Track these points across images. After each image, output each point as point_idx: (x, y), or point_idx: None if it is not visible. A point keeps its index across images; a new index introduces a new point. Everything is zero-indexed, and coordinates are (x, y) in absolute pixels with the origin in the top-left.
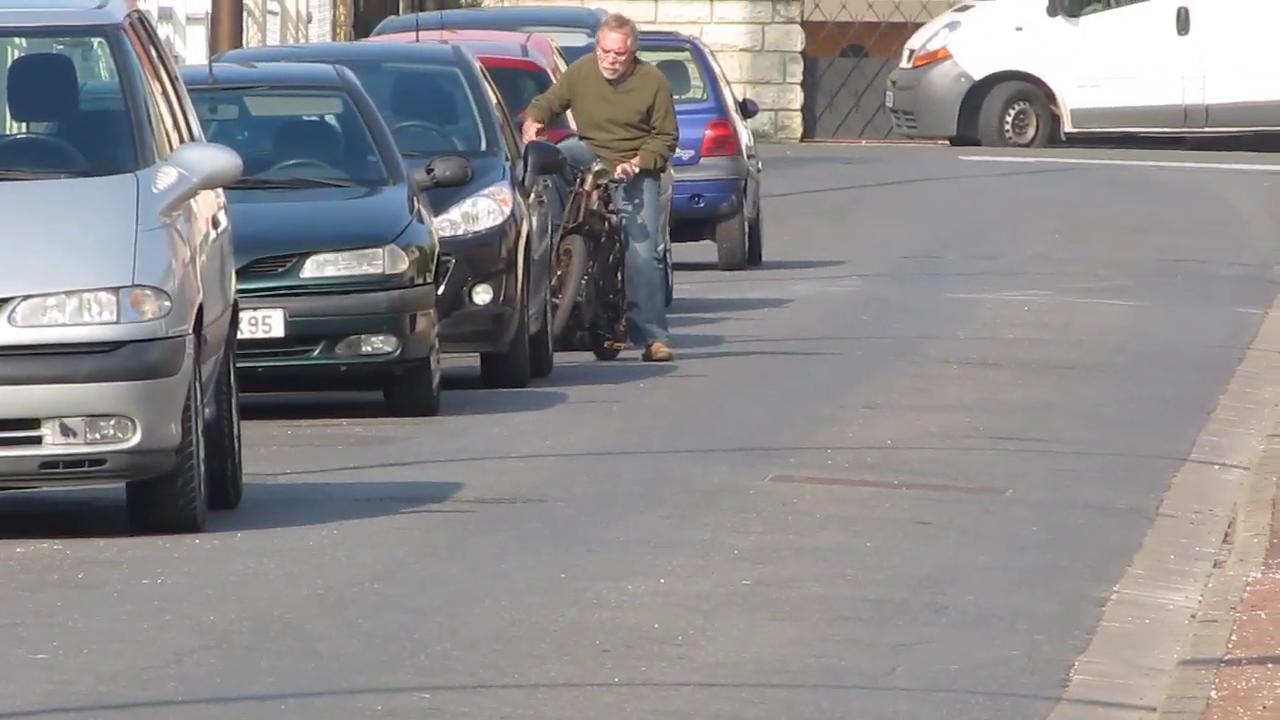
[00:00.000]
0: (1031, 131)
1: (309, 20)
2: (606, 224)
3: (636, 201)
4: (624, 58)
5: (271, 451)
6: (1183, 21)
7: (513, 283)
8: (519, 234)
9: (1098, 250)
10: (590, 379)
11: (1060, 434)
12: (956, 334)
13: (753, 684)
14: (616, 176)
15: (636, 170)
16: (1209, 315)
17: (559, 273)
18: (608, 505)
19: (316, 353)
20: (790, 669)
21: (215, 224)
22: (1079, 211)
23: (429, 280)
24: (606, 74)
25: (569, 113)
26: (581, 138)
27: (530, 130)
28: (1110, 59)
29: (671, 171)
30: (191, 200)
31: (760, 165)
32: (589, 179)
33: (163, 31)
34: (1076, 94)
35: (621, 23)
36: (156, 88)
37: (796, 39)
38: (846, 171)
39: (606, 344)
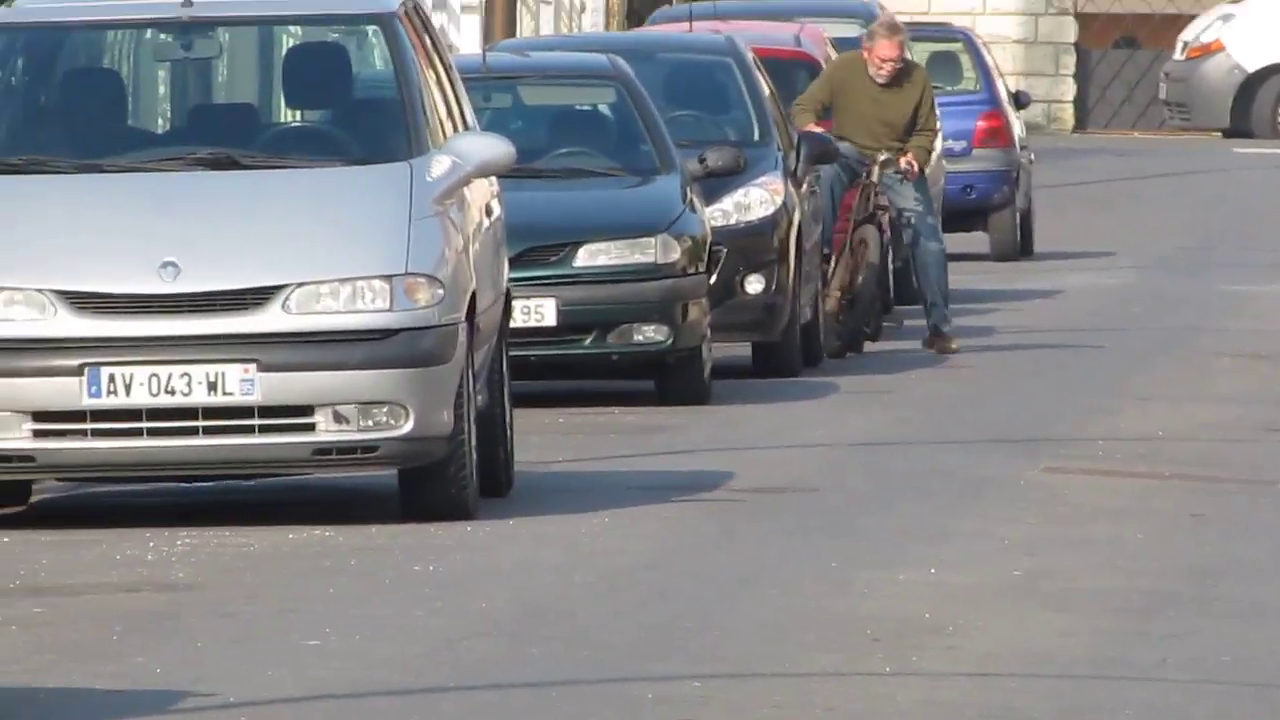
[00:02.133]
0: None
1: (582, 9)
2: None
3: (919, 197)
4: (899, 66)
5: (543, 439)
6: None
7: (784, 272)
8: (791, 224)
9: None
10: (861, 369)
11: None
12: (1228, 326)
13: (1022, 674)
14: (903, 168)
15: (917, 167)
16: None
17: (852, 261)
18: (878, 495)
19: (588, 342)
20: (1060, 659)
21: (489, 212)
22: None
23: (701, 270)
24: (880, 79)
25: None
26: (839, 138)
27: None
28: None
29: (944, 163)
30: (465, 189)
31: (1032, 156)
32: (875, 170)
33: (437, 20)
34: None
35: (895, 29)
36: (430, 76)
37: (1069, 30)
38: (1119, 163)
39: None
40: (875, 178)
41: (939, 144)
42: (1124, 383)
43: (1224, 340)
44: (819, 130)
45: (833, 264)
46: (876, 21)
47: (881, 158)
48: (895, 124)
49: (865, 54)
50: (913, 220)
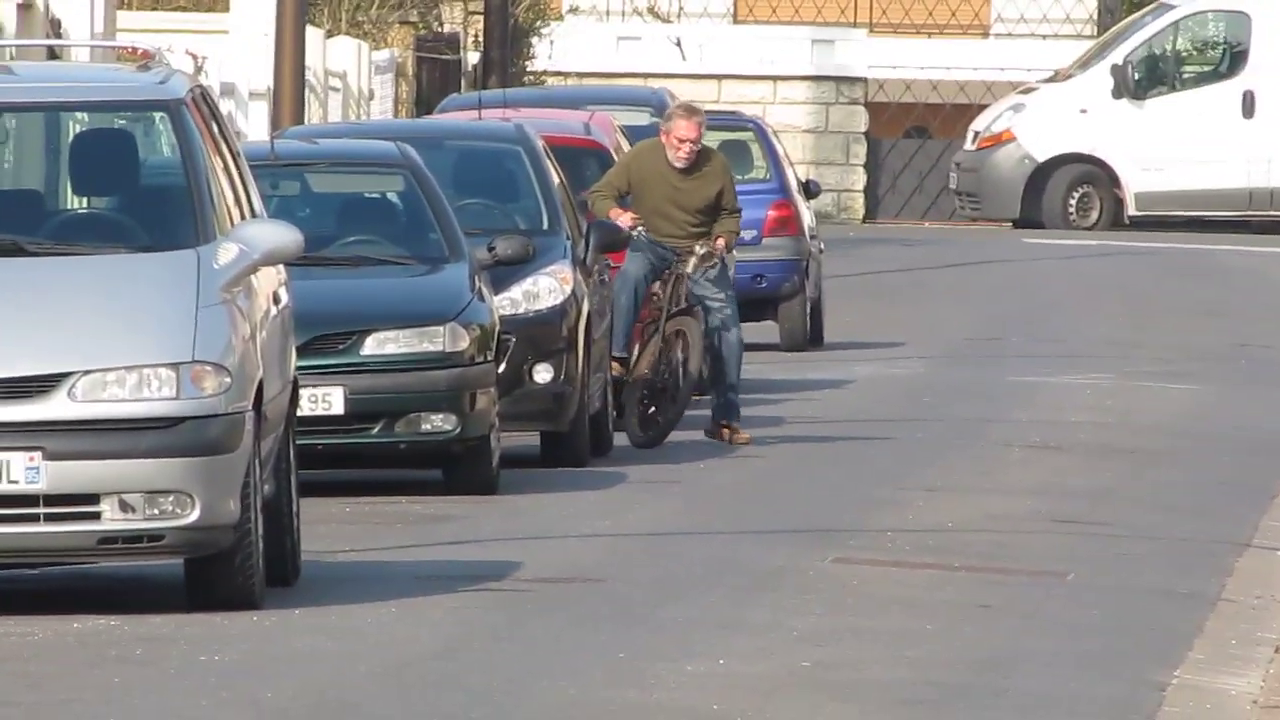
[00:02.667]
0: (1095, 214)
1: (371, 97)
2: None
3: (723, 288)
4: (697, 147)
5: (330, 529)
6: (1248, 105)
7: (573, 361)
8: (580, 313)
9: (1162, 334)
10: (650, 459)
11: (1122, 518)
12: (1018, 417)
13: None
14: (719, 249)
15: (725, 247)
16: (1274, 399)
17: (663, 348)
18: (667, 585)
19: (376, 430)
20: None
21: (276, 300)
22: (1143, 295)
23: (489, 358)
24: (678, 163)
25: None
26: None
27: (623, 219)
28: (1175, 142)
29: (734, 252)
30: (252, 276)
31: (822, 246)
32: (692, 261)
33: (225, 107)
34: (1141, 177)
35: (692, 111)
36: (218, 163)
37: (860, 120)
38: (909, 253)
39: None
40: (690, 269)
41: None
42: (913, 474)
43: (1014, 431)
44: (613, 219)
45: (636, 350)
46: (674, 104)
47: (701, 250)
48: (693, 211)
49: (664, 137)
50: (717, 309)
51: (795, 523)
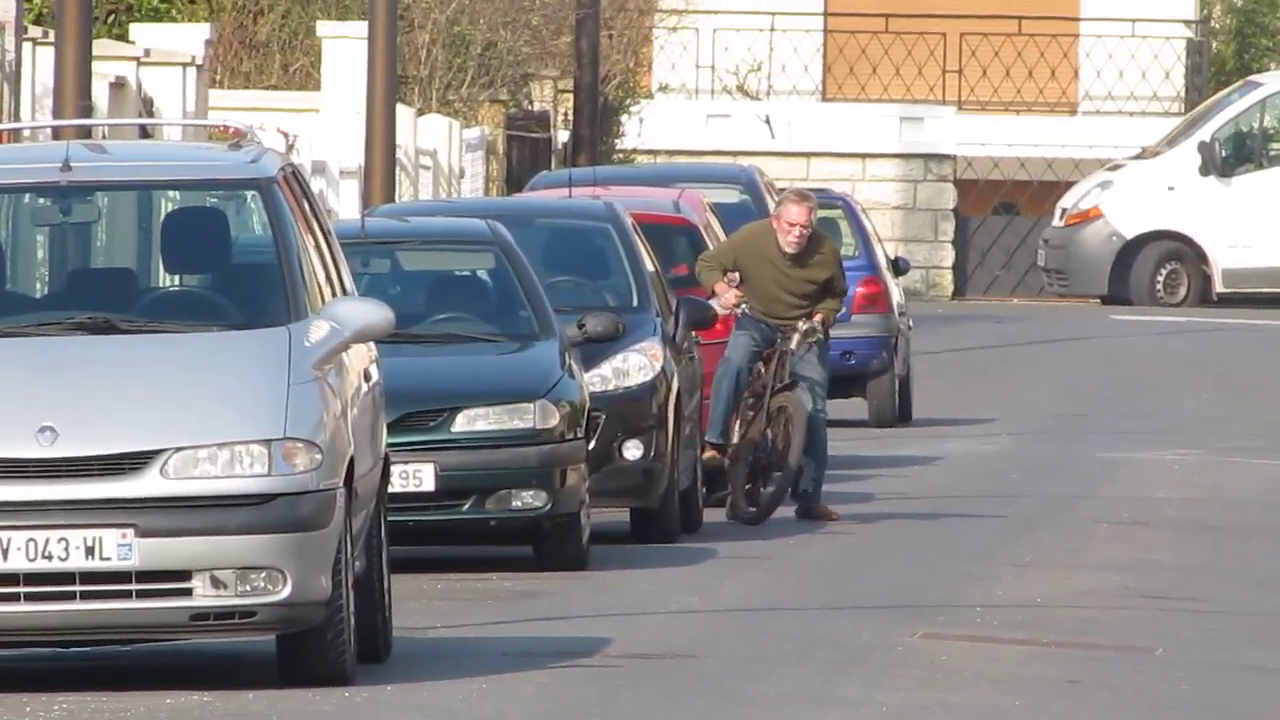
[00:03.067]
0: (1183, 291)
1: (462, 175)
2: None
3: (824, 362)
4: (808, 231)
5: (421, 605)
6: None
7: (663, 438)
8: (669, 389)
9: (1251, 410)
10: (739, 535)
11: (1211, 594)
12: (1107, 493)
13: None
14: (816, 325)
15: (823, 325)
16: None
17: (765, 424)
18: (757, 661)
19: (467, 507)
20: None
21: (367, 377)
22: (1231, 371)
23: (579, 435)
24: (789, 248)
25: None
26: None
27: (727, 295)
28: (1262, 219)
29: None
30: (344, 354)
31: (911, 323)
32: (795, 338)
33: (316, 185)
34: (1228, 254)
35: (804, 197)
36: (309, 241)
37: (948, 197)
38: (997, 330)
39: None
40: (794, 345)
41: None
42: (1002, 549)
43: (1102, 507)
44: (718, 292)
45: (737, 428)
46: (787, 190)
47: (804, 327)
48: (800, 295)
49: (775, 221)
50: (815, 389)
51: (884, 598)
